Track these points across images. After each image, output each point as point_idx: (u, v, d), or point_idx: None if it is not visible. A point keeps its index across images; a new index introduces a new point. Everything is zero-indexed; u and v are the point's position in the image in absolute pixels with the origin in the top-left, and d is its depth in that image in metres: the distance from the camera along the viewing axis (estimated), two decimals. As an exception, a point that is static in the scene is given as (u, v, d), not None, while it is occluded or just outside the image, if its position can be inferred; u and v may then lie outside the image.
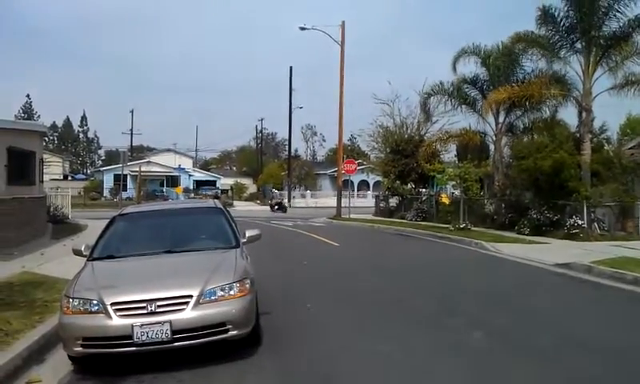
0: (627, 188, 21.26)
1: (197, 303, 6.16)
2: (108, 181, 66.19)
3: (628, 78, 21.78)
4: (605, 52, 21.79)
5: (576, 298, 10.77)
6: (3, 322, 7.51)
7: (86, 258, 7.52)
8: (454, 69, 27.65)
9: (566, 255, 14.87)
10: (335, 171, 43.56)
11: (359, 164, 45.90)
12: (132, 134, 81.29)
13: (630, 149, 23.36)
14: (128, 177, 59.98)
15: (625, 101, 25.14)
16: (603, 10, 21.41)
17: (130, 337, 5.96)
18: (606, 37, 21.70)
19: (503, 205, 24.84)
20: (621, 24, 21.42)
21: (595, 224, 20.30)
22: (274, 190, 59.38)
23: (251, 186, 77.61)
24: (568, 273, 13.07)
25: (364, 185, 62.03)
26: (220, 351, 6.46)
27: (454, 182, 26.84)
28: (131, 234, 8.27)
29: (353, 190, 50.24)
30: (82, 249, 7.70)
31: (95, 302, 6.12)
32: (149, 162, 69.86)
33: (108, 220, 8.60)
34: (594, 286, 11.67)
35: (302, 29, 36.61)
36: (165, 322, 5.99)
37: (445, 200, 29.81)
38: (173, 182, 68.09)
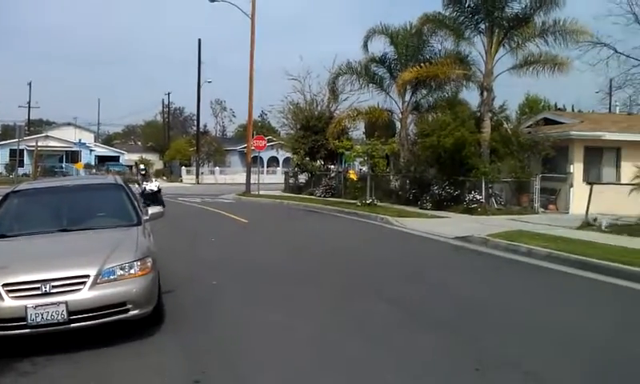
0: (523, 165, 22.35)
1: (94, 283, 5.98)
2: (3, 156, 62.43)
3: (527, 58, 22.78)
4: (507, 33, 22.59)
5: (472, 269, 11.33)
6: None
7: (-26, 238, 7.09)
8: (366, 48, 28.05)
9: (465, 229, 15.56)
10: (245, 147, 43.07)
11: (269, 140, 45.73)
12: (29, 107, 76.55)
13: (527, 127, 24.46)
14: (25, 152, 56.77)
15: (526, 80, 26.50)
16: (506, -10, 22.06)
17: (24, 319, 5.74)
18: (509, 18, 22.43)
19: (408, 181, 25.56)
20: (523, 6, 22.26)
21: (493, 199, 21.37)
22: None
23: (157, 162, 75.53)
24: (466, 245, 13.71)
25: (274, 161, 61.94)
26: (120, 331, 6.32)
27: (361, 159, 27.27)
28: (25, 211, 7.90)
29: (262, 167, 50.09)
30: (-29, 228, 7.27)
31: (-15, 283, 5.80)
32: (47, 136, 66.24)
33: (0, 197, 8.15)
34: (490, 257, 12.31)
35: (212, 0, 35.70)
36: (60, 302, 5.78)
37: (353, 176, 30.25)
38: (73, 157, 64.96)
